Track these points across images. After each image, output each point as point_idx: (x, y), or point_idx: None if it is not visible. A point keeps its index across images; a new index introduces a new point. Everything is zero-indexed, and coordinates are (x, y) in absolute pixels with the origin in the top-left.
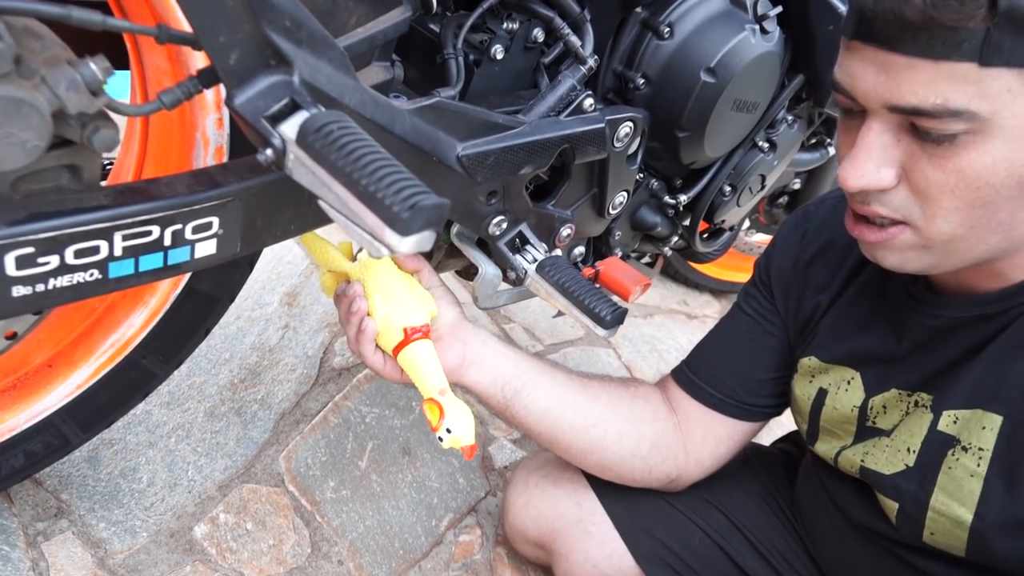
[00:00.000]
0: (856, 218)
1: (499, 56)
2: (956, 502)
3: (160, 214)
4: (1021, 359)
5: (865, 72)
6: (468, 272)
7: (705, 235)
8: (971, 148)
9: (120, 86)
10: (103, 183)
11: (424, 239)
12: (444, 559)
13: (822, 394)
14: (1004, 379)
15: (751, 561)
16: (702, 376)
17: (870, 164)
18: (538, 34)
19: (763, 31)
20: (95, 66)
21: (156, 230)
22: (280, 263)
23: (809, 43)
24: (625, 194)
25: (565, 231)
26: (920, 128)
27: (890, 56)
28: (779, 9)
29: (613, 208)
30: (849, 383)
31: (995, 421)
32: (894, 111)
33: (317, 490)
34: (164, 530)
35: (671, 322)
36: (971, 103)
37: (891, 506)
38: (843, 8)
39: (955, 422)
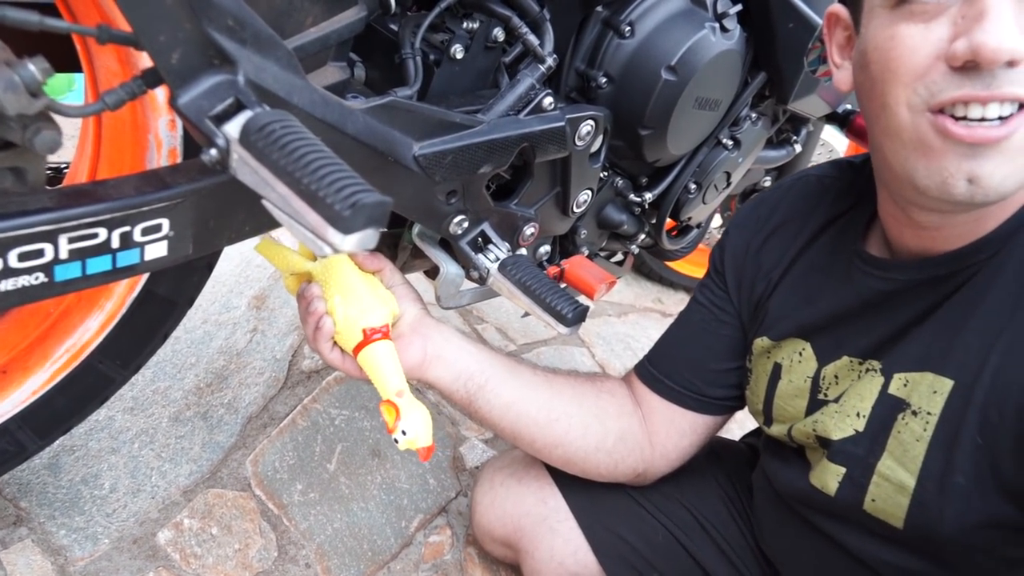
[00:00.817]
0: (962, 126)
1: (459, 56)
2: (902, 467)
3: (106, 216)
4: (973, 320)
5: None
6: (435, 272)
7: (673, 233)
8: None
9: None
10: (60, 187)
11: (367, 237)
12: (414, 560)
13: (777, 369)
14: (956, 342)
15: (711, 557)
16: (661, 369)
17: (1013, 26)
18: (498, 34)
19: (723, 29)
20: (34, 67)
21: (103, 232)
22: (248, 266)
23: (770, 41)
24: (589, 192)
25: (529, 230)
26: None
27: None
28: (739, 7)
29: (577, 206)
30: (801, 354)
31: (945, 386)
32: None
33: (284, 493)
34: (126, 536)
35: (645, 320)
36: None
37: (836, 471)
38: (802, 5)
39: (905, 385)
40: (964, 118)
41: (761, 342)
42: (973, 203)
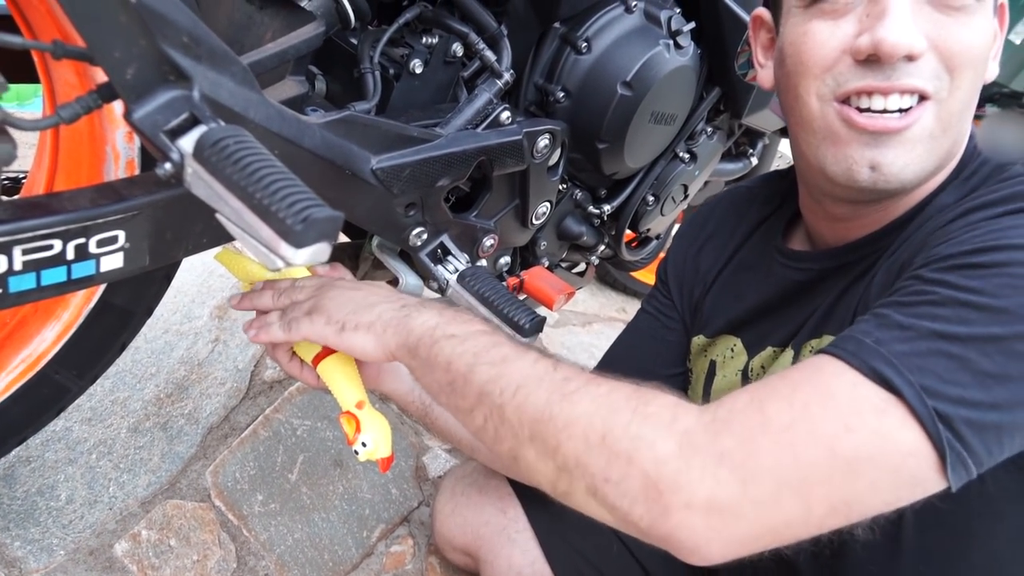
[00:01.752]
0: (864, 116)
1: (418, 70)
2: None
3: (61, 228)
4: (863, 288)
5: None
6: (396, 282)
7: (632, 244)
8: (977, 15)
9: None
10: (14, 198)
11: (319, 251)
12: (375, 570)
13: (712, 366)
14: (841, 303)
15: (663, 569)
16: (613, 377)
17: (911, 24)
18: (457, 49)
19: (677, 46)
20: None
21: (58, 244)
22: (211, 276)
23: (723, 57)
24: (548, 204)
25: (488, 241)
26: None
27: None
28: (692, 25)
29: (536, 218)
30: (732, 350)
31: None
32: None
33: (245, 504)
34: (83, 548)
35: (610, 329)
36: None
37: None
38: None
39: (811, 352)
40: (868, 109)
41: (698, 340)
42: (876, 189)
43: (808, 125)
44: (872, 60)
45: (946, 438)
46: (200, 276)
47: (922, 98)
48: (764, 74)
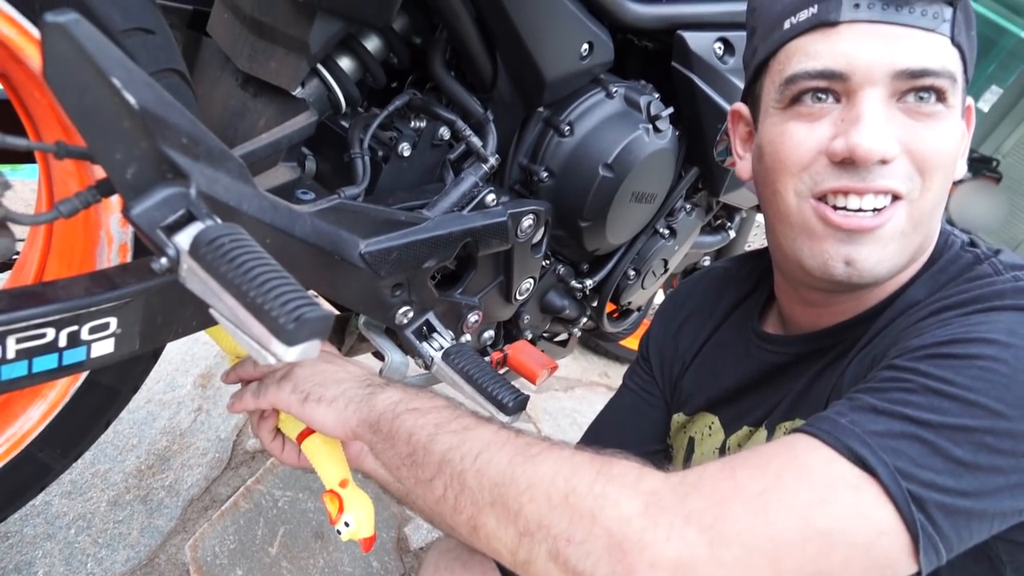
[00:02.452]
0: (840, 215)
1: (406, 153)
2: None
3: (56, 317)
4: (836, 375)
5: (866, 45)
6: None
7: (614, 315)
8: (947, 121)
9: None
10: (6, 274)
11: (310, 348)
12: None
13: (691, 443)
14: (814, 387)
15: None
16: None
17: (884, 131)
18: (444, 133)
19: (657, 130)
20: None
21: (51, 332)
22: (195, 344)
23: (701, 139)
24: (531, 281)
25: (472, 317)
26: (925, 89)
27: (891, 28)
28: (671, 110)
29: (520, 294)
30: (711, 427)
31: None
32: (900, 76)
33: None
34: None
35: (592, 395)
36: (955, 72)
37: None
38: (728, 107)
39: (784, 432)
40: (844, 208)
41: (678, 418)
42: (851, 283)
43: (785, 219)
44: (847, 162)
45: (919, 520)
46: (184, 344)
47: (895, 198)
48: (743, 165)
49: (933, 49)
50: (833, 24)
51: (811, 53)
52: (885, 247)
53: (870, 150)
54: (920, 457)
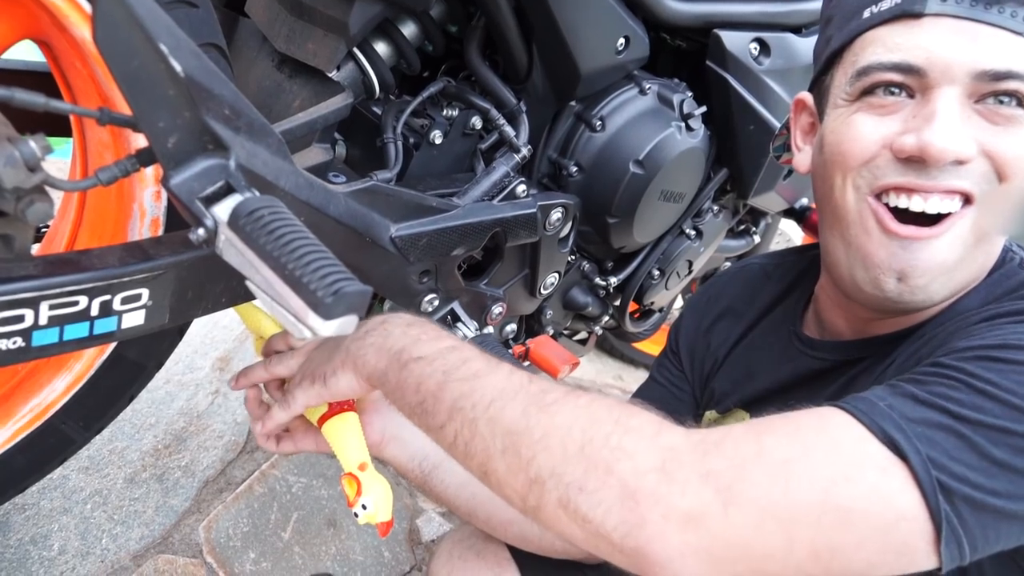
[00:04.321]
0: (901, 220)
1: (438, 141)
2: None
3: (89, 285)
4: (876, 375)
5: (948, 41)
6: None
7: (636, 315)
8: None
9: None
10: (36, 246)
11: (346, 323)
12: None
13: None
14: (852, 388)
15: None
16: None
17: (959, 131)
18: (476, 122)
19: (688, 128)
20: (34, 144)
21: (84, 300)
22: (215, 327)
23: (732, 140)
24: (556, 275)
25: (497, 309)
26: (1004, 94)
27: (977, 26)
28: (704, 109)
29: (544, 288)
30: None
31: None
32: (981, 78)
33: (236, 562)
34: None
35: None
36: None
37: None
38: (761, 108)
39: None
40: (905, 210)
41: (709, 415)
42: (901, 302)
43: (842, 218)
44: (914, 160)
45: (944, 511)
46: (204, 327)
47: (967, 202)
48: (801, 158)
49: (1019, 52)
50: (917, 16)
51: (890, 45)
52: (944, 261)
53: (943, 149)
54: (955, 450)
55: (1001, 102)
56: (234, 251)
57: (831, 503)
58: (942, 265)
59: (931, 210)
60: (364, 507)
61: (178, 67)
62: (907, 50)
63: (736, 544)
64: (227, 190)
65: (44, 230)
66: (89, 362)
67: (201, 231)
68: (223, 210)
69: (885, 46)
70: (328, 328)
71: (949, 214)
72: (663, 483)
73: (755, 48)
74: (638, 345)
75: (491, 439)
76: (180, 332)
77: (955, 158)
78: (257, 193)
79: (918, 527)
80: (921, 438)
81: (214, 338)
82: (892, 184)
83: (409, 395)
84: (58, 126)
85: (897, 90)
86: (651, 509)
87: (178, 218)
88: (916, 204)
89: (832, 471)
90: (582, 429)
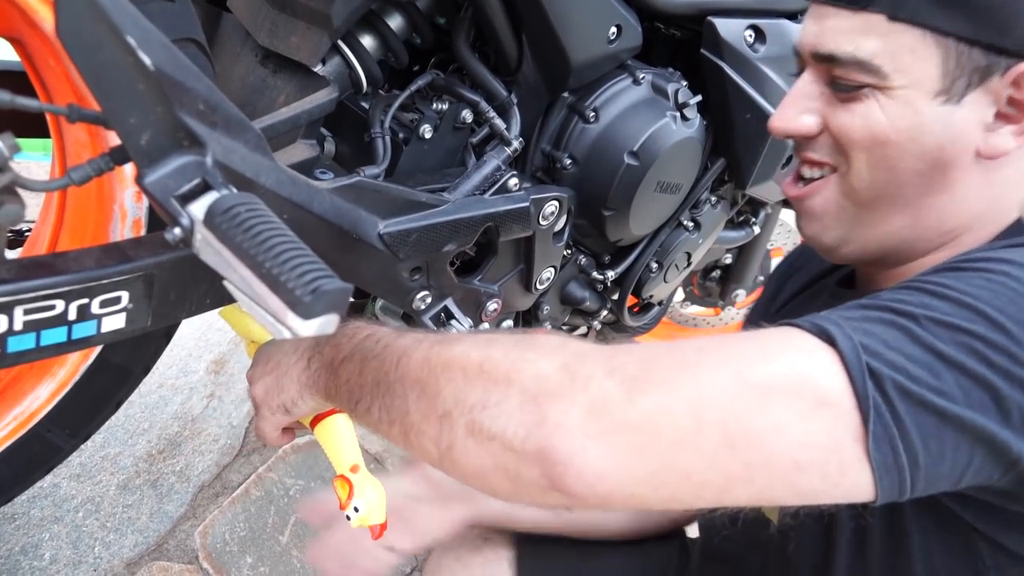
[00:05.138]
0: (795, 180)
1: (428, 135)
2: None
3: (65, 288)
4: None
5: (807, 25)
6: None
7: (635, 309)
8: (874, 103)
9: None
10: (19, 250)
11: (327, 322)
12: None
13: None
14: None
15: None
16: None
17: (791, 110)
18: (466, 115)
19: (684, 118)
20: (1, 143)
21: (60, 304)
22: (209, 330)
23: (728, 130)
24: (552, 270)
25: (492, 305)
26: (835, 78)
27: (824, 8)
28: (699, 98)
29: (540, 283)
30: None
31: None
32: (816, 59)
33: (233, 567)
34: None
35: None
36: (876, 57)
37: None
38: (758, 97)
39: None
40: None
41: None
42: (818, 247)
43: None
44: None
45: (872, 396)
46: (198, 330)
47: (833, 169)
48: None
49: (853, 33)
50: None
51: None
52: (823, 216)
53: (774, 127)
54: (895, 341)
55: (838, 85)
56: (211, 250)
57: (744, 382)
58: (818, 219)
59: (806, 175)
60: (356, 509)
61: (147, 60)
62: (800, 33)
63: (641, 429)
64: (204, 187)
65: (27, 233)
66: (73, 368)
67: (177, 230)
68: (199, 208)
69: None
70: (308, 328)
71: (820, 178)
72: (565, 381)
73: (750, 35)
74: (640, 339)
75: (404, 394)
76: (167, 335)
77: (786, 134)
78: (235, 190)
79: (842, 415)
80: (857, 330)
81: (208, 341)
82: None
83: (344, 397)
84: (37, 128)
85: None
86: (552, 406)
87: (161, 218)
88: (804, 171)
89: (749, 352)
90: (480, 350)
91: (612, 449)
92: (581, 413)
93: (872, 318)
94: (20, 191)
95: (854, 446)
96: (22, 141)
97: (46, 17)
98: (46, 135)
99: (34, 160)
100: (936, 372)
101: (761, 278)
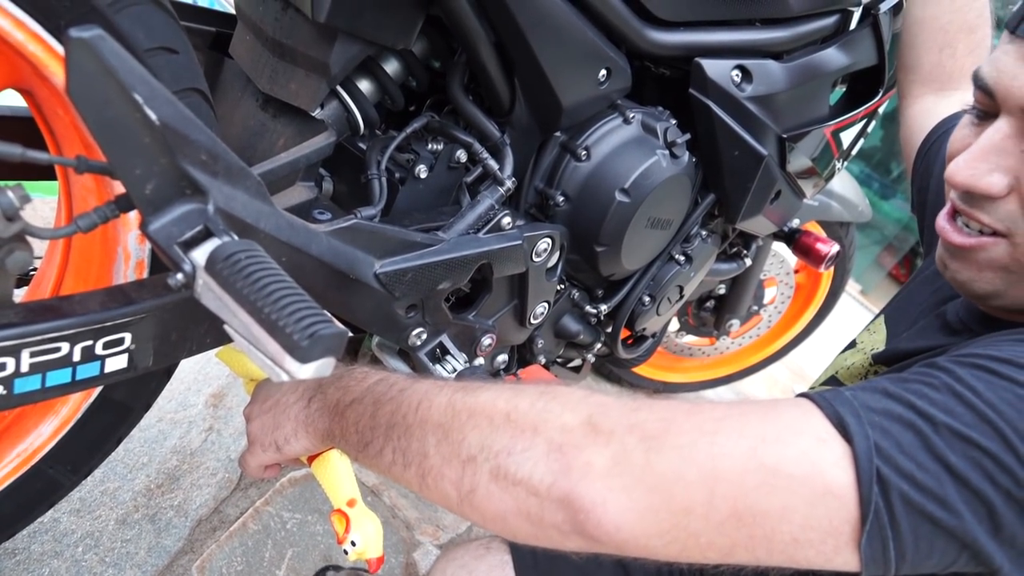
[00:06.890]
0: (951, 215)
1: (423, 175)
2: None
3: (70, 331)
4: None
5: (1013, 68)
6: None
7: (628, 342)
8: None
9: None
10: (24, 289)
11: (323, 366)
12: None
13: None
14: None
15: None
16: None
17: (983, 164)
18: (460, 155)
19: (673, 156)
20: (12, 195)
21: (66, 346)
22: (208, 364)
23: (718, 166)
24: (546, 305)
25: (486, 340)
26: None
27: None
28: (688, 136)
29: (534, 318)
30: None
31: None
32: None
33: None
34: None
35: None
36: None
37: None
38: (745, 135)
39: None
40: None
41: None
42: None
43: None
44: None
45: (876, 501)
46: (197, 364)
47: (996, 233)
48: None
49: None
50: (1012, 31)
51: (991, 56)
52: (980, 271)
53: (958, 181)
54: (909, 446)
55: None
56: (212, 295)
57: (757, 460)
58: (976, 271)
59: (973, 227)
60: (353, 543)
61: (153, 116)
62: (991, 66)
63: (657, 490)
64: (206, 234)
65: (32, 273)
66: (75, 406)
67: (180, 275)
68: (201, 254)
69: (991, 57)
70: (305, 371)
71: (990, 235)
72: (589, 434)
73: (737, 75)
74: (637, 369)
75: (423, 438)
76: (167, 373)
77: (967, 189)
78: (236, 237)
79: (843, 508)
80: (875, 426)
81: (207, 375)
82: (953, 205)
83: (352, 440)
84: (43, 170)
85: (982, 113)
86: (576, 456)
87: (163, 261)
88: (961, 219)
89: (765, 431)
90: (507, 400)
91: (631, 504)
92: (605, 465)
93: (893, 414)
94: (29, 239)
95: (850, 535)
96: (30, 184)
97: (56, 71)
98: (53, 178)
99: (38, 197)
100: (942, 482)
101: (755, 308)
